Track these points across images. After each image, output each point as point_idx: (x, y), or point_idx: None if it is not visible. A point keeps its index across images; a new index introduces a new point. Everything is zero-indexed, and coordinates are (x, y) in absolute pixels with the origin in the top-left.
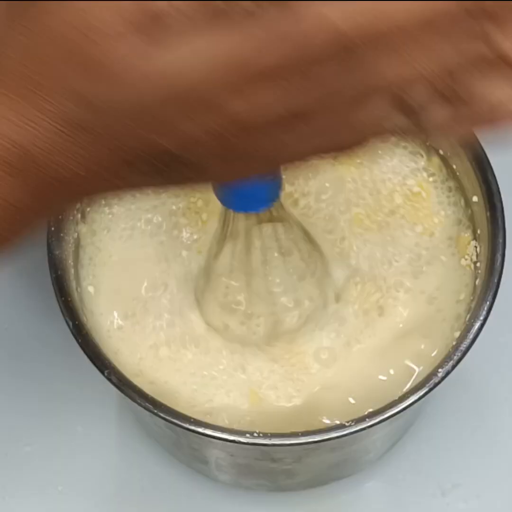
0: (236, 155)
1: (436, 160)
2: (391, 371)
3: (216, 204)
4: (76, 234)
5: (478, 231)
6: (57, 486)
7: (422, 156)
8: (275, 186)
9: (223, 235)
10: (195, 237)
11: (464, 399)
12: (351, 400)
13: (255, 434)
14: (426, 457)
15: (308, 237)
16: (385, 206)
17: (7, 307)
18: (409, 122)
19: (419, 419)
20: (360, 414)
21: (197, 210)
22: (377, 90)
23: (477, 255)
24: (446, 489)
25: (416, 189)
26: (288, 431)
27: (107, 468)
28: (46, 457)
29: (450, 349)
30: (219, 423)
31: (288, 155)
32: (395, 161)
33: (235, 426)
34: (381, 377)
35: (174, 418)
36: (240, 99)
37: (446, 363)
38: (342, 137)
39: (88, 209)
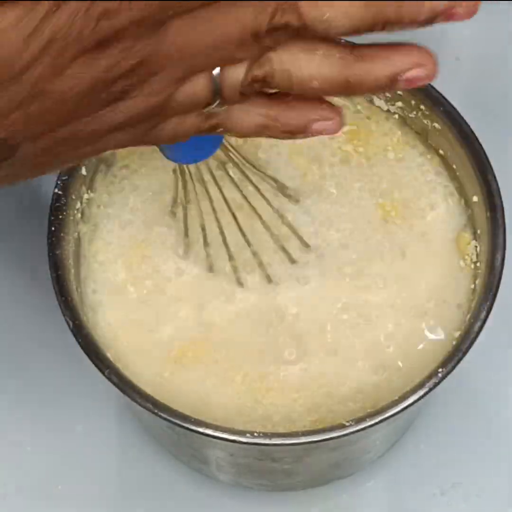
0: (53, 138)
1: (436, 160)
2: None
3: None
4: (76, 233)
5: (478, 231)
6: (57, 485)
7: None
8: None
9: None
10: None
11: (464, 399)
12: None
13: (255, 434)
14: (426, 456)
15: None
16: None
17: (7, 307)
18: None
19: (419, 418)
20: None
21: None
22: (193, 65)
23: (477, 255)
24: (446, 488)
25: (415, 188)
26: None
27: (107, 468)
28: (46, 456)
29: (451, 349)
30: None
31: (111, 140)
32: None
33: None
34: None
35: (174, 418)
36: (54, 73)
37: (446, 363)
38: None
39: (88, 208)
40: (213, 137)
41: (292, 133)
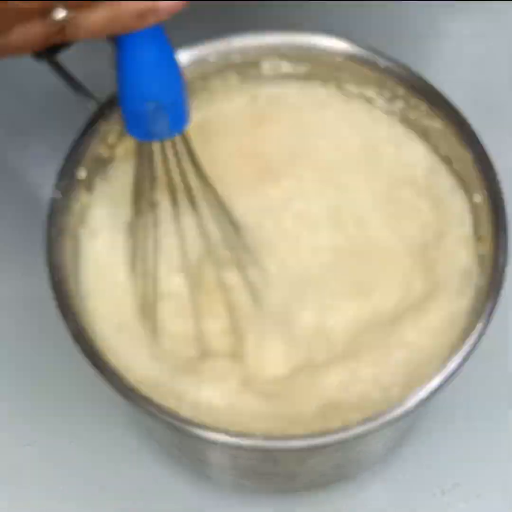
0: None
1: (437, 160)
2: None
3: None
4: (75, 237)
5: (481, 231)
6: (57, 486)
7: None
8: (178, 114)
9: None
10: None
11: (465, 399)
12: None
13: (258, 437)
14: (426, 456)
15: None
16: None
17: (8, 309)
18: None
19: (420, 419)
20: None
21: None
22: None
23: (479, 256)
24: (446, 488)
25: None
26: None
27: (108, 469)
28: (47, 457)
29: (452, 350)
30: None
31: None
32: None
33: None
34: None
35: (176, 421)
36: None
37: (448, 364)
38: None
39: (87, 212)
40: (174, 116)
41: (142, 18)
